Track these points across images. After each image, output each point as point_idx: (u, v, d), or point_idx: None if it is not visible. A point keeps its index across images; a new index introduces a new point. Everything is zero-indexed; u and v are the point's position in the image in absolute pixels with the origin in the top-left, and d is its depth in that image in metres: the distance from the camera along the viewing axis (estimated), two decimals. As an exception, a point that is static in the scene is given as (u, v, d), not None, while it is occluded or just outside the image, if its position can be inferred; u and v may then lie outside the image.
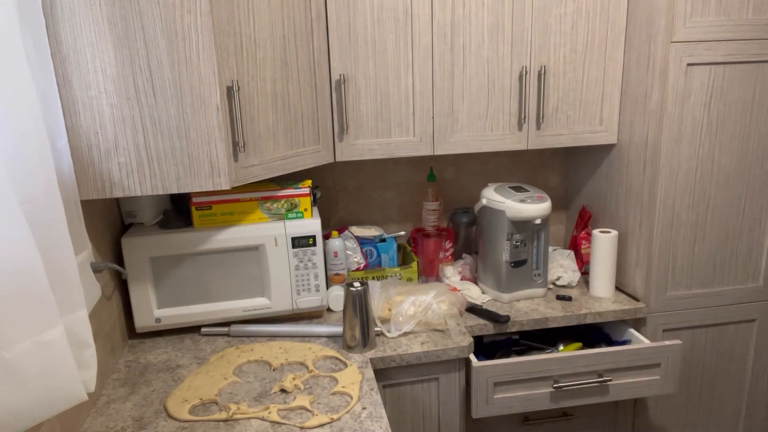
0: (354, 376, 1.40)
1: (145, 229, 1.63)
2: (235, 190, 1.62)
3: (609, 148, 1.97)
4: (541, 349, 1.87)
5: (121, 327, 1.60)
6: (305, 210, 1.68)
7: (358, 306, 1.51)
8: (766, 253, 1.89)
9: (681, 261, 1.84)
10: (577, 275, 2.01)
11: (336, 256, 1.85)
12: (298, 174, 1.78)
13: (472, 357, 1.62)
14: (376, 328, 1.62)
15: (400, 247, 2.08)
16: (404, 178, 2.14)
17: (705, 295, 1.88)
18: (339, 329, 1.62)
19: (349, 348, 1.54)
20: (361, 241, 1.95)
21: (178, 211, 1.68)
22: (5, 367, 0.84)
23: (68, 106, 1.23)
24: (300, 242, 1.65)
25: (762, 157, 1.80)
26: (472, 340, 1.61)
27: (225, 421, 1.25)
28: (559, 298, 1.92)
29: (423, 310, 1.65)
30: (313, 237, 1.66)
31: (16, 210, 0.84)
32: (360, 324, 1.52)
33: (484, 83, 1.80)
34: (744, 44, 1.68)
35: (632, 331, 1.86)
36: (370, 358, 1.51)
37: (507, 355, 1.84)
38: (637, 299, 1.90)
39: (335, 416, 1.24)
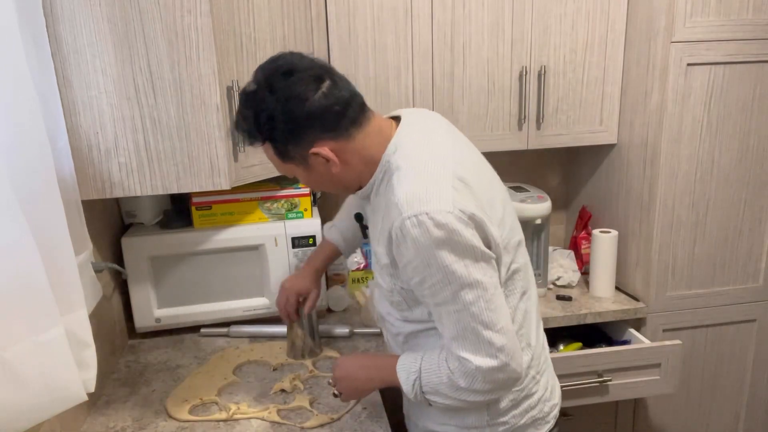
0: (354, 376, 1.40)
1: (145, 229, 1.63)
2: (235, 190, 1.62)
3: (609, 148, 1.97)
4: (541, 349, 1.87)
5: (121, 327, 1.60)
6: (305, 210, 1.68)
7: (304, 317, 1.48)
8: (766, 253, 1.89)
9: (681, 261, 1.84)
10: (577, 275, 2.01)
11: (336, 256, 1.85)
12: (298, 174, 1.78)
13: (472, 357, 1.62)
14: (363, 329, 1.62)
15: (400, 247, 2.08)
16: (404, 178, 2.14)
17: (705, 295, 1.88)
18: (339, 329, 1.62)
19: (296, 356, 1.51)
20: (361, 241, 1.95)
21: (178, 211, 1.68)
22: (5, 367, 0.84)
23: (68, 106, 1.23)
24: (300, 242, 1.65)
25: (762, 157, 1.80)
26: (472, 340, 1.62)
27: (225, 421, 1.25)
28: (559, 298, 1.92)
29: (423, 310, 1.65)
30: (313, 237, 1.66)
31: (16, 210, 0.84)
32: (309, 331, 1.49)
33: (484, 83, 1.80)
34: (744, 44, 1.68)
35: (632, 331, 1.86)
36: (370, 358, 1.51)
37: (507, 355, 1.84)
38: (637, 299, 1.90)
39: (335, 416, 1.24)
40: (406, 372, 1.05)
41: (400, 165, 1.00)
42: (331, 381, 1.18)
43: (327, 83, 0.99)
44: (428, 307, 1.02)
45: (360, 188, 1.09)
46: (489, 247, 0.98)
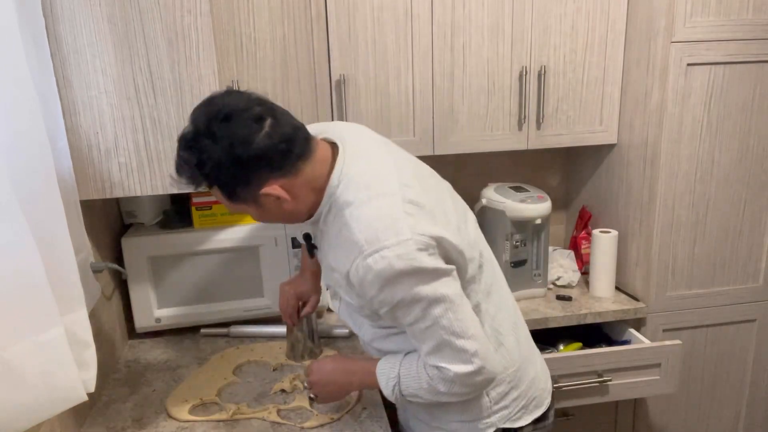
0: (354, 376, 1.40)
1: (145, 229, 1.63)
2: (235, 190, 1.61)
3: (609, 148, 1.97)
4: (541, 349, 1.87)
5: (121, 327, 1.60)
6: (305, 210, 1.68)
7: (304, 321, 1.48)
8: (766, 253, 1.89)
9: (681, 261, 1.84)
10: (577, 275, 2.01)
11: (336, 256, 1.85)
12: (298, 174, 1.78)
13: (472, 357, 1.62)
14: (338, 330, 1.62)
15: (400, 247, 2.08)
16: (404, 178, 2.13)
17: (705, 295, 1.88)
18: (339, 329, 1.62)
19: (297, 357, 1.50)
20: (361, 241, 1.95)
21: (178, 211, 1.68)
22: (5, 367, 0.84)
23: (68, 106, 1.23)
24: (300, 242, 1.65)
25: (762, 157, 1.80)
26: (472, 340, 1.62)
27: (225, 421, 1.25)
28: (559, 298, 1.92)
29: (423, 310, 1.65)
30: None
31: (16, 210, 0.84)
32: (308, 333, 1.47)
33: (484, 83, 1.80)
34: (744, 44, 1.68)
35: (632, 331, 1.86)
36: (370, 358, 1.51)
37: (507, 355, 1.85)
38: (637, 299, 1.90)
39: (335, 416, 1.24)
40: (386, 378, 1.09)
41: (348, 200, 1.00)
42: (306, 384, 1.20)
43: (269, 121, 0.96)
44: (400, 327, 1.06)
45: (310, 216, 1.09)
46: (451, 259, 1.01)
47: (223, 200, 1.04)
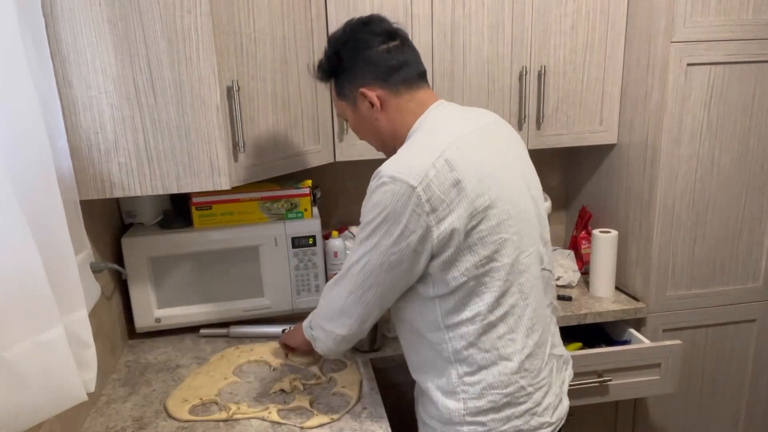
0: (354, 376, 1.40)
1: (145, 229, 1.63)
2: (235, 190, 1.62)
3: (609, 148, 1.97)
4: (541, 349, 1.87)
5: (121, 327, 1.60)
6: (305, 210, 1.68)
7: None
8: (766, 253, 1.89)
9: (681, 261, 1.84)
10: (577, 275, 2.01)
11: (336, 256, 1.85)
12: (298, 174, 1.78)
13: (472, 357, 1.62)
14: None
15: (400, 247, 2.07)
16: (404, 178, 2.13)
17: (705, 295, 1.88)
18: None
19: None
20: (361, 241, 1.95)
21: (178, 211, 1.68)
22: (5, 367, 0.84)
23: (68, 106, 1.23)
24: (300, 242, 1.65)
25: (762, 157, 1.80)
26: (472, 340, 1.62)
27: (225, 421, 1.25)
28: (559, 298, 1.92)
29: (423, 310, 1.65)
30: (313, 237, 1.66)
31: (16, 210, 0.84)
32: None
33: (484, 83, 1.80)
34: (744, 44, 1.68)
35: (632, 331, 1.86)
36: (370, 358, 1.51)
37: (507, 355, 1.84)
38: (637, 299, 1.90)
39: (335, 416, 1.24)
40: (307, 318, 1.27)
41: (410, 139, 1.12)
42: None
43: (395, 43, 1.12)
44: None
45: (392, 152, 1.15)
46: (441, 231, 1.01)
47: (333, 95, 1.21)
